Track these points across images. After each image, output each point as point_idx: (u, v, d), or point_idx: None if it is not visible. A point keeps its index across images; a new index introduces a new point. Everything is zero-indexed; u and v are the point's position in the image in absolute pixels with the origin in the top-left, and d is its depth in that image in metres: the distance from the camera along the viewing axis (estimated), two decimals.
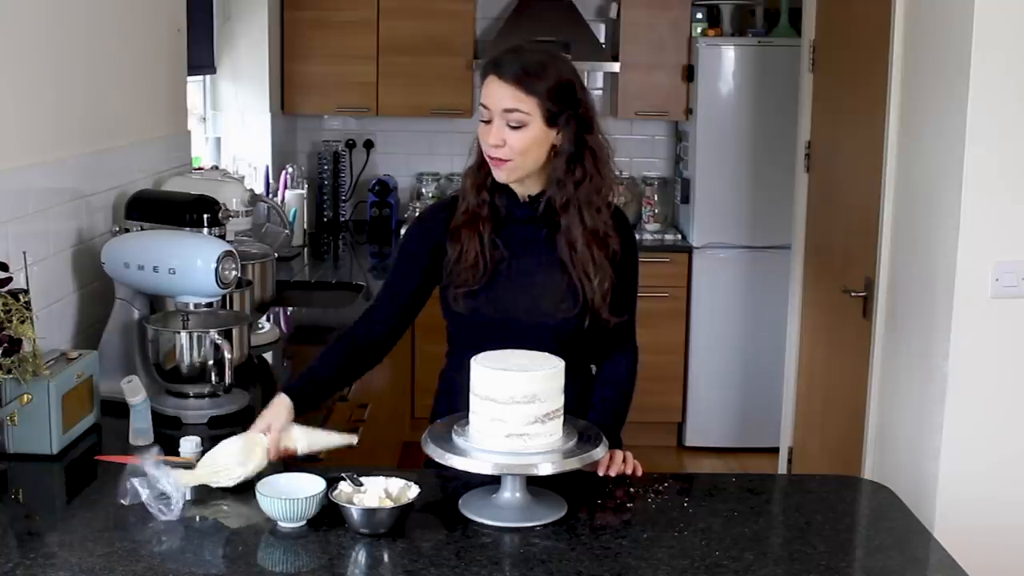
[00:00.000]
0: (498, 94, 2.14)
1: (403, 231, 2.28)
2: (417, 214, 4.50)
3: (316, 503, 1.89)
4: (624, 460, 2.21)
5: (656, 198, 5.55)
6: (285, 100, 5.32)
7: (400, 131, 5.73)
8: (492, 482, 1.99)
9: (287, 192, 4.98)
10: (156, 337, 2.55)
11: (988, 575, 2.20)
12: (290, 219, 4.74)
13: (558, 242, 2.23)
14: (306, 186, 5.17)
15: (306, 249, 5.09)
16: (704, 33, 5.30)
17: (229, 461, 2.06)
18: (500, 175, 2.20)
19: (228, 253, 2.57)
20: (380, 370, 4.02)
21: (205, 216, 2.81)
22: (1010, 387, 2.93)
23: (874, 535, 2.04)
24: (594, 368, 2.42)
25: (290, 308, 3.98)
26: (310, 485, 1.93)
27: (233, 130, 5.06)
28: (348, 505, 1.88)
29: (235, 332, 2.58)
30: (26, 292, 2.27)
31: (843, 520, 2.08)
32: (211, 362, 2.53)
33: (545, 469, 1.90)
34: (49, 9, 2.64)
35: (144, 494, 1.93)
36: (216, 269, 2.52)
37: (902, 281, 3.24)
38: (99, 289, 2.82)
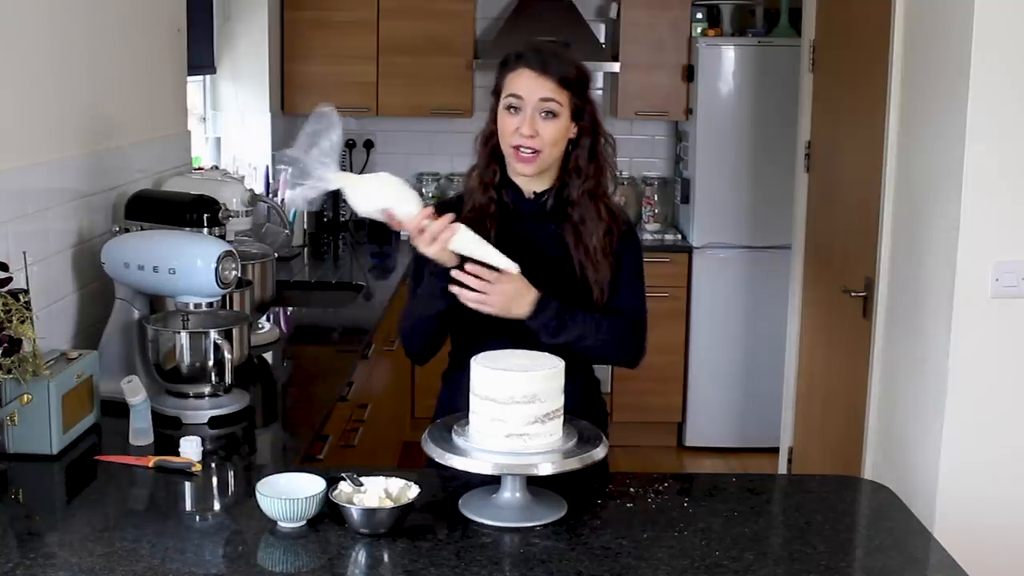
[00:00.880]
0: (535, 85, 2.18)
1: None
2: None
3: (316, 503, 1.89)
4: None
5: (656, 198, 5.55)
6: (285, 100, 5.32)
7: (400, 131, 5.73)
8: (492, 482, 1.99)
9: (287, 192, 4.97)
10: (156, 337, 2.55)
11: (988, 575, 2.20)
12: (290, 219, 4.74)
13: (567, 235, 2.24)
14: None
15: (306, 249, 5.09)
16: (704, 33, 5.30)
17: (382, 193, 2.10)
18: (528, 168, 2.22)
19: (228, 253, 2.57)
20: (380, 370, 4.04)
21: (205, 216, 2.81)
22: (1010, 387, 2.93)
23: (874, 535, 2.04)
24: (595, 368, 2.41)
25: (290, 308, 3.98)
26: (310, 485, 1.93)
27: (233, 130, 5.06)
28: (348, 505, 1.87)
29: (235, 332, 2.58)
30: (26, 292, 2.27)
31: (843, 520, 2.08)
32: (211, 362, 2.53)
33: (545, 469, 1.90)
34: (49, 9, 2.64)
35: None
36: (216, 269, 2.52)
37: (902, 281, 3.24)
38: (99, 289, 2.82)
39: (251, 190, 3.33)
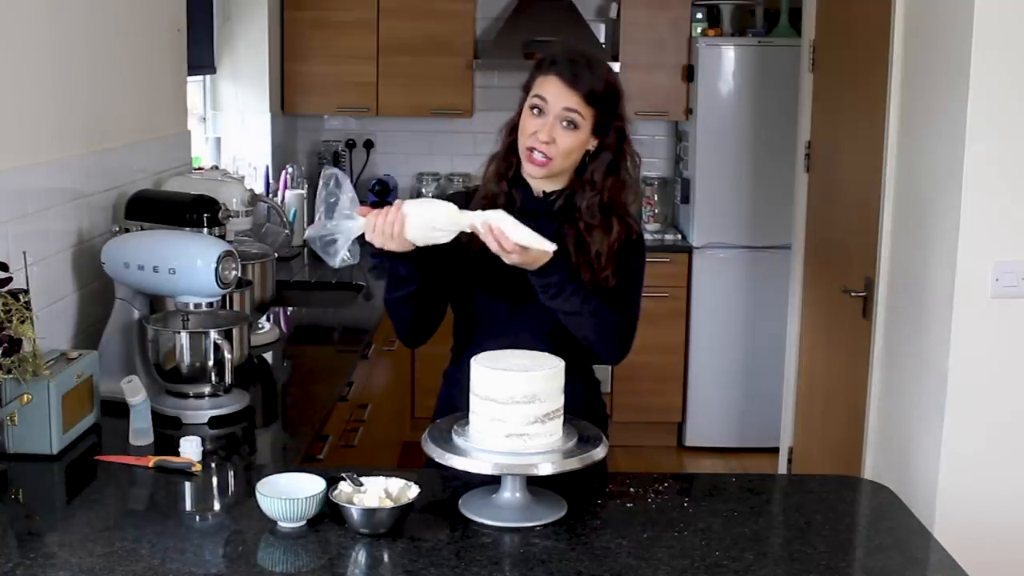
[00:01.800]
0: (562, 94, 2.18)
1: None
2: None
3: (316, 503, 1.89)
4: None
5: (656, 198, 5.55)
6: (285, 100, 5.32)
7: (400, 131, 5.73)
8: (492, 482, 1.99)
9: (287, 192, 4.98)
10: (156, 337, 2.55)
11: (988, 574, 2.20)
12: (290, 219, 4.74)
13: (568, 238, 2.23)
14: (306, 186, 5.17)
15: (306, 249, 5.09)
16: (704, 33, 5.30)
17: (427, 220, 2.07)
18: (537, 171, 2.22)
19: (228, 253, 2.57)
20: (380, 370, 4.04)
21: (205, 216, 2.81)
22: (1010, 387, 2.93)
23: (874, 535, 2.04)
24: (595, 369, 2.41)
25: (290, 308, 3.98)
26: (310, 485, 1.93)
27: (233, 130, 5.06)
28: (348, 505, 1.87)
29: (235, 332, 2.58)
30: (26, 292, 2.27)
31: (843, 520, 2.08)
32: (211, 362, 2.53)
33: (545, 469, 1.90)
34: (49, 9, 2.63)
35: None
36: (216, 269, 2.52)
37: (902, 281, 3.24)
38: (99, 289, 2.82)
39: (251, 190, 3.33)
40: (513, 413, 1.90)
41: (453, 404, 2.22)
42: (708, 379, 5.36)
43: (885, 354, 3.34)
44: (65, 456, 2.28)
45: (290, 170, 5.05)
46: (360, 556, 1.82)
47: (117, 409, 2.44)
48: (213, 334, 2.53)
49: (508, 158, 2.28)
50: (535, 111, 2.20)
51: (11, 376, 2.15)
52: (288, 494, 1.90)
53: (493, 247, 2.07)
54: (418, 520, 1.92)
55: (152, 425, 2.38)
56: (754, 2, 5.40)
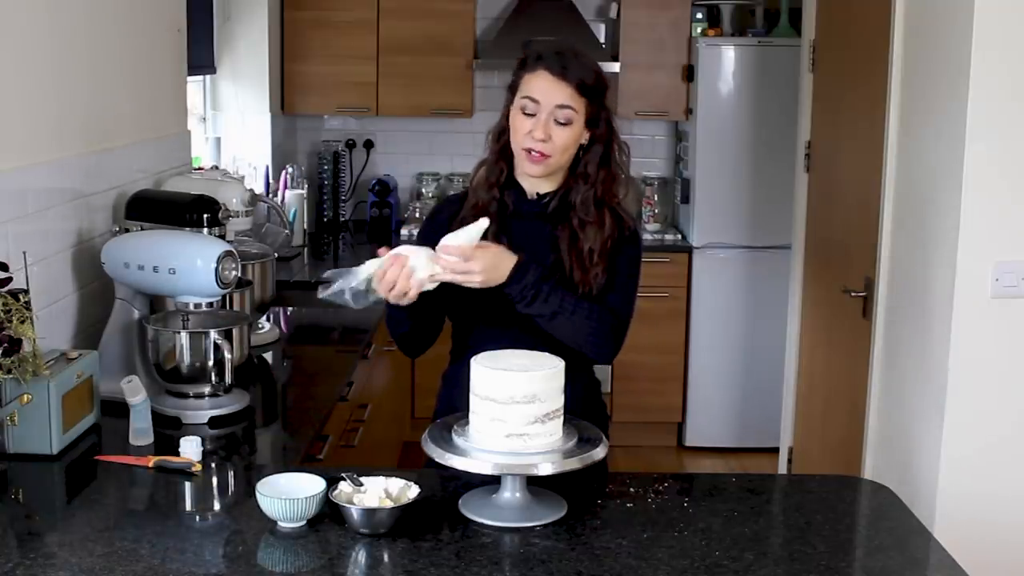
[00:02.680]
0: (553, 89, 2.17)
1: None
2: (421, 213, 4.51)
3: (316, 503, 1.89)
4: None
5: (656, 198, 5.55)
6: (285, 100, 5.32)
7: (400, 131, 5.73)
8: (492, 482, 1.99)
9: (287, 192, 4.98)
10: (156, 337, 2.55)
11: (988, 574, 2.20)
12: (290, 219, 4.74)
13: (561, 238, 2.23)
14: (306, 186, 5.17)
15: (306, 249, 5.09)
16: (704, 33, 5.30)
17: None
18: (536, 169, 2.22)
19: (228, 253, 2.57)
20: (380, 370, 4.04)
21: (205, 216, 2.81)
22: (1010, 387, 2.93)
23: (874, 535, 2.04)
24: (595, 369, 2.41)
25: (290, 308, 3.97)
26: (310, 485, 1.93)
27: (233, 130, 5.06)
28: (348, 505, 1.87)
29: (235, 332, 2.58)
30: (26, 292, 2.27)
31: (843, 520, 2.08)
32: (211, 362, 2.53)
33: (545, 469, 1.90)
34: (49, 10, 2.63)
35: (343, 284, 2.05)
36: (216, 269, 2.52)
37: (902, 281, 3.24)
38: (99, 289, 2.82)
39: (251, 190, 3.33)
40: (513, 413, 1.90)
41: (453, 405, 2.22)
42: (708, 379, 5.36)
43: (885, 354, 3.34)
44: (65, 456, 2.28)
45: (290, 170, 5.05)
46: (360, 556, 1.82)
47: (117, 409, 2.44)
48: (213, 334, 2.53)
49: (498, 163, 2.27)
50: (526, 112, 2.19)
51: (11, 376, 2.15)
52: (288, 494, 1.90)
53: (456, 279, 2.08)
54: (418, 520, 1.92)
55: (152, 425, 2.38)
56: (754, 2, 5.40)
